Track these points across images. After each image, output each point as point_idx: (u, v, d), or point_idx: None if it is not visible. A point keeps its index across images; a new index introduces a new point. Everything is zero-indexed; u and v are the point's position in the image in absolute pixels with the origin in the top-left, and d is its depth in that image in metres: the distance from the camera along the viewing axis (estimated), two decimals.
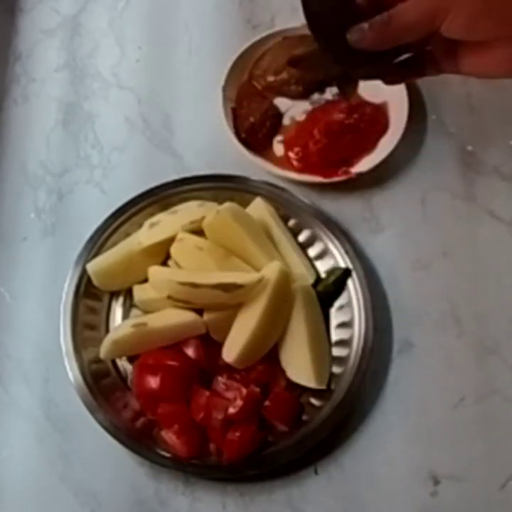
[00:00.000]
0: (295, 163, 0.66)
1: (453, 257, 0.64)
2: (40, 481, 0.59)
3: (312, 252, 0.63)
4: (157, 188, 0.64)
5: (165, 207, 0.63)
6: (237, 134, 0.66)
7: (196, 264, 0.58)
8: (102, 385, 0.59)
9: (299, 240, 0.64)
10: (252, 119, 0.67)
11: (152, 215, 0.63)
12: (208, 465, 0.56)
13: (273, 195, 0.64)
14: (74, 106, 0.71)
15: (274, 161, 0.66)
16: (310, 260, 0.63)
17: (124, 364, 0.61)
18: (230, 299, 0.55)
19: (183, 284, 0.56)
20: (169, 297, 0.57)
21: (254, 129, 0.67)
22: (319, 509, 0.57)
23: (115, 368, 0.61)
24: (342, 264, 0.61)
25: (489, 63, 0.48)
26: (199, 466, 0.56)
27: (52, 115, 0.71)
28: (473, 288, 0.63)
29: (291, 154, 0.67)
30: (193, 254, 0.59)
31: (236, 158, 0.65)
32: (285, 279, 0.57)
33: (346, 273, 0.61)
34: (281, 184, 0.64)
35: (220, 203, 0.60)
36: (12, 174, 0.69)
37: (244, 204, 0.62)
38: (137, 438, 0.57)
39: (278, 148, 0.67)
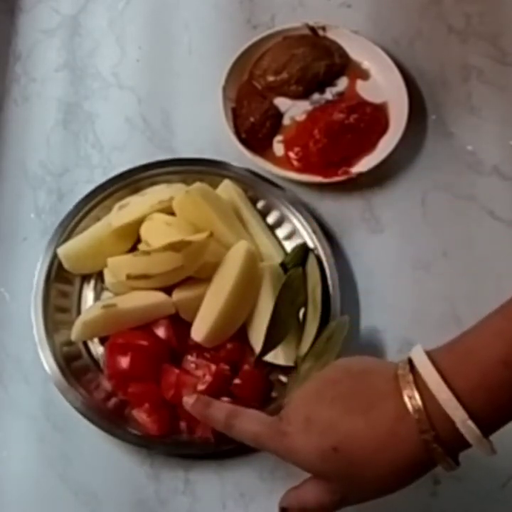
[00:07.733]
0: (295, 163, 0.66)
1: (453, 257, 0.64)
2: (40, 481, 0.59)
3: (281, 233, 0.65)
4: (126, 172, 0.64)
5: (135, 191, 0.64)
6: (237, 134, 0.66)
7: (165, 241, 0.58)
8: (74, 367, 0.59)
9: (267, 221, 0.65)
10: (252, 119, 0.67)
11: (122, 199, 0.63)
12: (178, 442, 0.57)
13: (241, 177, 0.64)
14: (74, 106, 0.71)
15: (274, 161, 0.66)
16: (278, 241, 0.64)
17: (96, 347, 0.61)
18: (187, 261, 0.55)
19: (135, 255, 0.57)
20: (128, 277, 0.57)
21: (254, 129, 0.67)
22: None
23: (87, 351, 0.61)
24: (310, 244, 0.62)
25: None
26: (169, 443, 0.57)
27: (52, 115, 0.71)
28: (473, 288, 0.63)
29: (291, 154, 0.67)
30: (161, 230, 0.59)
31: (236, 158, 0.65)
32: (253, 258, 0.58)
33: (305, 249, 0.61)
34: (282, 184, 0.65)
35: (189, 185, 0.60)
36: (12, 174, 0.69)
37: (213, 187, 0.63)
38: (109, 418, 0.57)
39: (278, 148, 0.68)
